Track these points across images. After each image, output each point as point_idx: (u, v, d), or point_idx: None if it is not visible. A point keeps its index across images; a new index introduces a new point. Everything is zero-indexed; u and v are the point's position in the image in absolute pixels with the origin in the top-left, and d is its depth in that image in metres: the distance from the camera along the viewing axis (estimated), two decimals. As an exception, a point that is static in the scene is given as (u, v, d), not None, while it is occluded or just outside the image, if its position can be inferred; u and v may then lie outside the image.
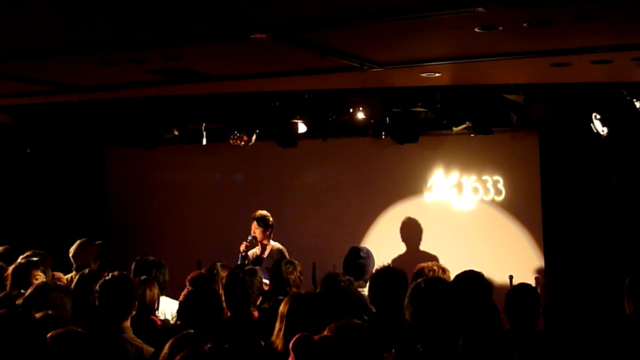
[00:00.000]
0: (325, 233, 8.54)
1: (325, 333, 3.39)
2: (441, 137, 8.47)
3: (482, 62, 5.24)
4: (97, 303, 4.43)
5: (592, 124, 6.79)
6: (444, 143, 8.55)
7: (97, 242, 7.11)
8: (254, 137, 8.13)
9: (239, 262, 7.45)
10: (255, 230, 7.62)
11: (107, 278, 4.49)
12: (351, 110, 7.54)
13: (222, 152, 9.24)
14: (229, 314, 5.19)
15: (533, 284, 5.92)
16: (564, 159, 7.95)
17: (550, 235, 8.03)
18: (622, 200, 7.63)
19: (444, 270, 5.39)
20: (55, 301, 4.49)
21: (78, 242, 6.87)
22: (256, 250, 7.64)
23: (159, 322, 5.06)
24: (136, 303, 4.52)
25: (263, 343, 4.26)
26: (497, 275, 8.01)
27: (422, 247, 8.45)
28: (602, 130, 6.73)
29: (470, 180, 8.54)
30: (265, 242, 7.63)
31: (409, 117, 7.68)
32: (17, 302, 4.56)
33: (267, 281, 5.89)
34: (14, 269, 5.83)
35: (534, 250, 8.12)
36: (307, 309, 3.65)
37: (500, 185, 8.39)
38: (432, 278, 3.49)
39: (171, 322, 5.30)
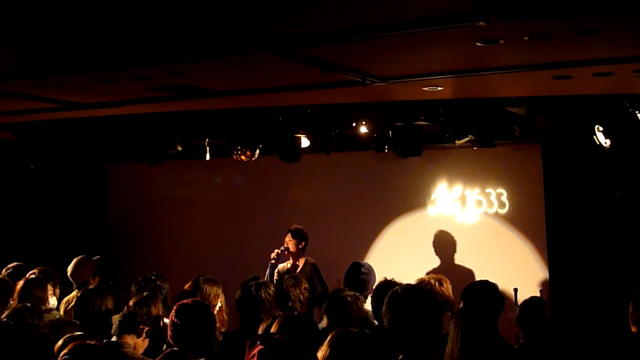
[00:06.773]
0: (329, 247, 8.52)
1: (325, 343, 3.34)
2: (444, 151, 8.47)
3: (484, 75, 5.25)
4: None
5: (594, 136, 6.78)
6: (447, 156, 8.55)
7: (95, 258, 7.06)
8: (257, 152, 8.14)
9: (267, 271, 7.53)
10: (289, 242, 7.63)
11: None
12: (354, 124, 7.55)
13: (225, 167, 9.25)
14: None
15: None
16: (567, 172, 7.93)
17: (554, 247, 8.00)
18: (626, 212, 7.60)
19: (441, 282, 5.36)
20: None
21: (75, 260, 6.79)
22: (287, 265, 7.64)
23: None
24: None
25: None
26: (502, 287, 8.00)
27: (426, 261, 8.42)
28: (605, 142, 6.73)
29: (473, 193, 8.52)
30: (297, 255, 7.64)
31: (412, 131, 7.69)
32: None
33: None
34: (22, 285, 5.85)
35: (539, 263, 8.09)
36: (295, 331, 3.59)
37: (504, 198, 8.37)
38: (410, 286, 3.48)
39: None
